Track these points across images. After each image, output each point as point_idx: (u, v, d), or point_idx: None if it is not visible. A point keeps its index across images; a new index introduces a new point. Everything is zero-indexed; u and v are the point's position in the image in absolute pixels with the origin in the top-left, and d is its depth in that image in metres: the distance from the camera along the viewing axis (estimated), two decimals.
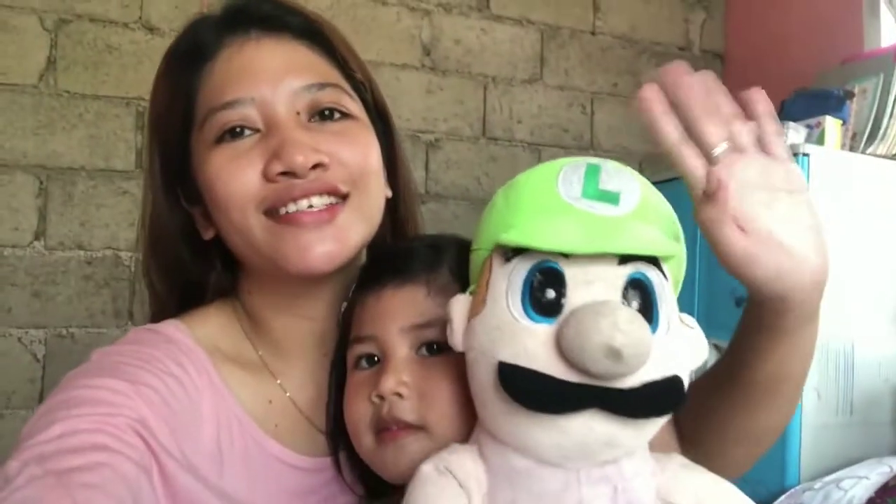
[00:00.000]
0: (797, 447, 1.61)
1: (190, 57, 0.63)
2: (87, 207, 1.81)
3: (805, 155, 1.70)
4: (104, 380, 0.54)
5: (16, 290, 1.75)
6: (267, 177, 0.58)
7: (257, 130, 0.60)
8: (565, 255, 0.45)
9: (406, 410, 0.54)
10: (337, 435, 0.62)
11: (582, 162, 0.50)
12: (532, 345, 0.44)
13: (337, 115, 0.63)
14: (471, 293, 0.51)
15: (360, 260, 0.66)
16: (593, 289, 0.45)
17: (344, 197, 0.60)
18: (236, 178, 0.59)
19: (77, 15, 1.81)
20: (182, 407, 0.57)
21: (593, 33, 2.39)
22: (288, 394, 0.66)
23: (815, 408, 1.61)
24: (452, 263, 0.60)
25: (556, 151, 2.32)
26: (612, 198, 0.48)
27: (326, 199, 0.60)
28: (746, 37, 2.49)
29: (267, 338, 0.67)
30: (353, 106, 0.64)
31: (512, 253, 0.47)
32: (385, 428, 0.54)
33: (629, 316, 0.42)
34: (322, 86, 0.62)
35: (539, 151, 2.30)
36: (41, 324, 1.77)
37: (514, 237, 0.46)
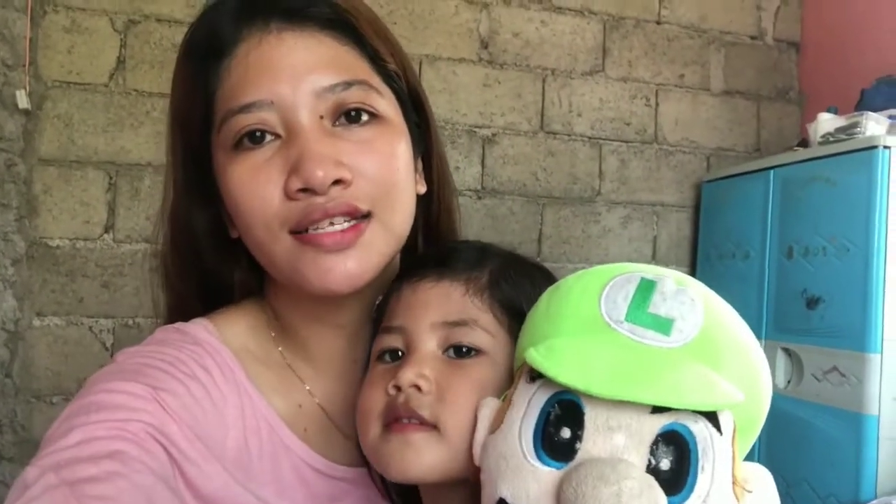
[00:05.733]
0: (874, 459, 1.52)
1: (207, 51, 0.58)
2: (153, 202, 1.87)
3: (886, 147, 1.59)
4: (125, 384, 0.52)
5: (87, 280, 1.83)
6: (287, 194, 0.54)
7: (278, 135, 0.56)
8: None
9: (422, 405, 0.51)
10: None
11: (636, 275, 0.44)
12: (535, 490, 0.39)
13: (364, 118, 0.57)
14: (503, 399, 0.47)
15: (389, 267, 0.63)
16: (614, 439, 0.38)
17: (366, 215, 0.56)
18: (257, 195, 0.55)
19: (145, 15, 1.87)
20: (204, 412, 0.56)
21: (658, 22, 2.31)
22: (316, 399, 0.65)
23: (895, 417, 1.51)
24: (496, 269, 0.57)
25: (617, 146, 2.26)
26: (662, 325, 0.41)
27: (348, 220, 0.56)
28: (824, 22, 2.35)
29: (294, 342, 0.65)
30: (383, 103, 0.59)
31: (537, 373, 0.42)
32: (395, 419, 0.52)
33: (637, 489, 0.36)
34: (348, 84, 0.56)
35: (599, 146, 2.24)
36: (110, 313, 1.84)
37: (536, 357, 0.41)
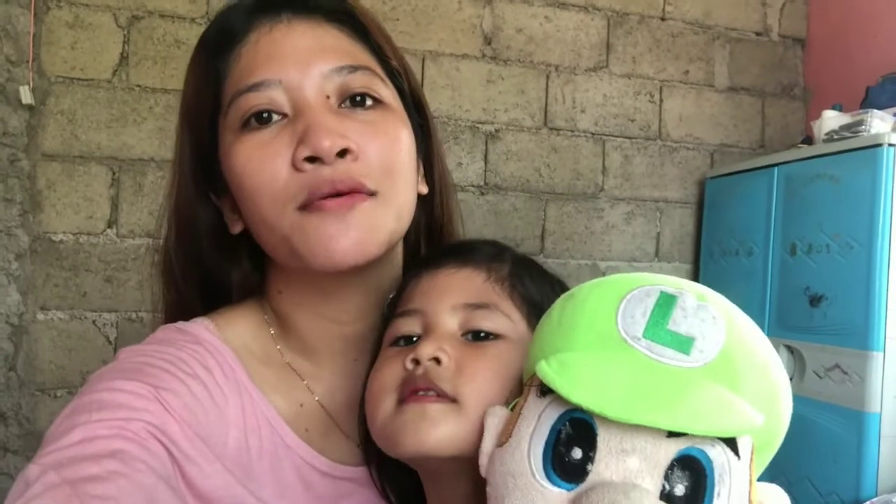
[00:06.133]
0: (875, 456, 1.51)
1: (219, 42, 0.60)
2: (156, 197, 1.87)
3: (891, 145, 1.58)
4: (126, 383, 0.52)
5: (90, 275, 1.83)
6: (294, 165, 0.55)
7: (285, 115, 0.57)
8: None
9: (442, 377, 0.50)
10: (370, 443, 0.59)
11: (656, 288, 0.42)
12: None
13: (369, 102, 0.59)
14: (511, 408, 0.46)
15: (392, 264, 0.63)
16: (628, 462, 0.37)
17: (370, 194, 0.57)
18: (265, 169, 0.55)
19: (148, 11, 1.87)
20: (205, 411, 0.56)
21: (663, 18, 2.30)
22: (316, 397, 0.65)
23: None
24: (516, 263, 0.58)
25: (621, 142, 2.25)
26: (682, 344, 0.39)
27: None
28: (830, 19, 2.34)
29: (296, 340, 0.65)
30: (387, 92, 0.61)
31: (548, 388, 0.40)
32: (412, 392, 0.50)
33: None
34: (353, 68, 0.58)
35: (603, 142, 2.24)
36: (113, 308, 1.85)
37: (548, 372, 0.39)
